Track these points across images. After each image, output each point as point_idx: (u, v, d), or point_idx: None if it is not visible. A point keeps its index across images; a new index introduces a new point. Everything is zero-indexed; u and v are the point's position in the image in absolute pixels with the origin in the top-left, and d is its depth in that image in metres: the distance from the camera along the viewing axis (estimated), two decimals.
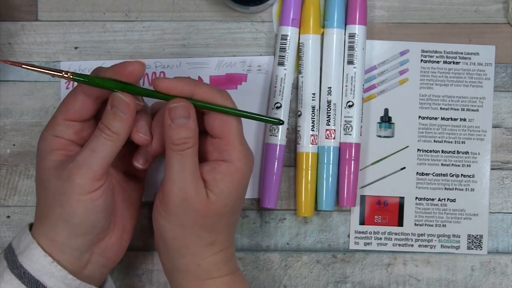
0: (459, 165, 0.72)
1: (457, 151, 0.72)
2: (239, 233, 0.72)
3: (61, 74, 0.59)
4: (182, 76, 0.62)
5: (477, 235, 0.72)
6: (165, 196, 0.59)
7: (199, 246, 0.61)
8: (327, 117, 0.70)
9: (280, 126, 0.69)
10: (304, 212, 0.70)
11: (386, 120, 0.72)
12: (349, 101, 0.70)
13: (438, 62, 0.72)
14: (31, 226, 0.62)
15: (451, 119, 0.72)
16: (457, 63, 0.72)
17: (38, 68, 0.60)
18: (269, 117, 0.64)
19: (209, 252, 0.61)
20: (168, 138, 0.59)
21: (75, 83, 0.61)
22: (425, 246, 0.72)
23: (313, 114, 0.70)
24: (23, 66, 0.59)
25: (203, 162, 0.61)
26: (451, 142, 0.72)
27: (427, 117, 0.72)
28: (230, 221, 0.62)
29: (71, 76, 0.59)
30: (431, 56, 0.72)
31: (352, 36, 0.70)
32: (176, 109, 0.59)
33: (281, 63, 0.70)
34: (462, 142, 0.72)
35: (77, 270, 0.60)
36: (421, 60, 0.72)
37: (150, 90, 0.60)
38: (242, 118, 0.61)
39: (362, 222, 0.72)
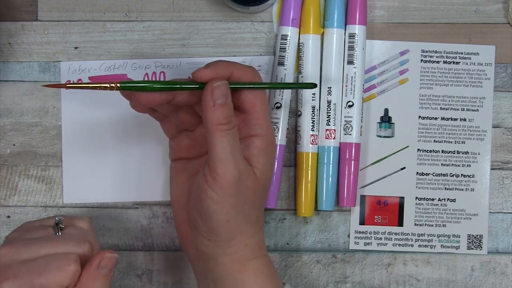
0: (459, 165, 0.72)
1: (457, 151, 0.72)
2: None
3: (108, 86, 0.59)
4: (215, 61, 0.62)
5: (477, 235, 0.72)
6: (219, 178, 0.59)
7: (248, 224, 0.62)
8: (327, 117, 0.70)
9: (282, 120, 0.69)
10: (304, 212, 0.70)
11: (386, 120, 0.72)
12: (349, 101, 0.70)
13: (438, 62, 0.72)
14: None
15: (451, 119, 0.72)
16: (457, 63, 0.72)
17: (83, 85, 0.60)
18: (302, 83, 0.69)
19: (254, 230, 0.62)
20: (214, 119, 0.59)
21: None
22: (425, 246, 0.72)
23: (313, 114, 0.70)
24: (67, 86, 0.60)
25: None
26: (451, 142, 0.72)
27: (427, 117, 0.72)
28: (267, 195, 0.64)
29: (118, 85, 0.60)
30: (431, 56, 0.72)
31: (352, 36, 0.70)
32: (219, 88, 0.59)
33: (281, 63, 0.70)
34: (462, 142, 0.72)
35: None
36: (421, 60, 0.72)
37: (190, 82, 0.61)
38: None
39: (362, 222, 0.72)
